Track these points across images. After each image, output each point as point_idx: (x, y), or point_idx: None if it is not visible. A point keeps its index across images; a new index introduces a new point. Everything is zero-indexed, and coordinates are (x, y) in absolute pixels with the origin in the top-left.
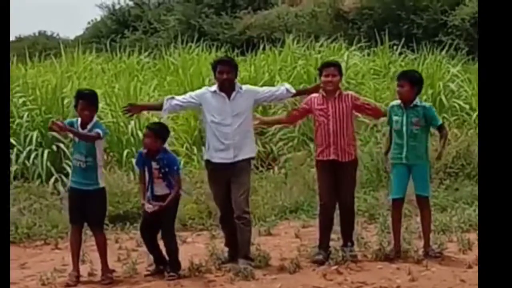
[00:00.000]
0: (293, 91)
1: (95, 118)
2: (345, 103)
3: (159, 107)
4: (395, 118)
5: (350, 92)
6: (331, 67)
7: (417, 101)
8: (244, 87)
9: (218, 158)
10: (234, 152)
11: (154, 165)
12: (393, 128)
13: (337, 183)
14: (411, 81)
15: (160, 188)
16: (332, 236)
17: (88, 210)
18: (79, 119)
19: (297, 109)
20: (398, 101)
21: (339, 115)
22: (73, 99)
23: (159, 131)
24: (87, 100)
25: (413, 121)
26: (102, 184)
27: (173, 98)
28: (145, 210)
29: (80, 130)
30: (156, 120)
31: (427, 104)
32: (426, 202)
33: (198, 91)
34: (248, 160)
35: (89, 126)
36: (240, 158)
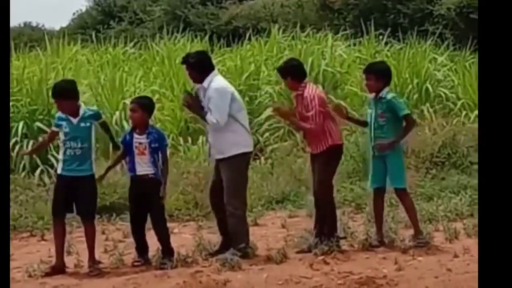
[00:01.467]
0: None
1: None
2: (301, 105)
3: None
4: (368, 111)
5: (309, 94)
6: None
7: (383, 93)
8: (215, 84)
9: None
10: (212, 150)
11: (140, 139)
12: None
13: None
14: (376, 73)
15: (143, 167)
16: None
17: (80, 198)
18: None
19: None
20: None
21: (299, 114)
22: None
23: (145, 104)
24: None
25: (378, 113)
26: (92, 171)
27: None
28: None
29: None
30: None
31: (390, 95)
32: (404, 193)
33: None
34: (227, 159)
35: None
36: (217, 157)
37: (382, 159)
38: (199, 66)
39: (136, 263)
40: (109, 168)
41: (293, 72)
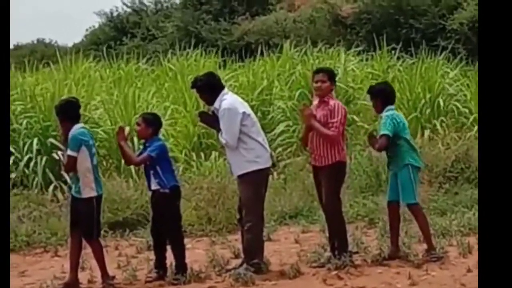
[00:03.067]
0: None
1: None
2: (324, 111)
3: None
4: None
5: (333, 103)
6: (320, 73)
7: (383, 112)
8: (224, 103)
9: None
10: (231, 168)
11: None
12: None
13: (320, 187)
14: (375, 94)
15: (152, 183)
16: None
17: (77, 218)
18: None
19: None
20: None
21: (322, 120)
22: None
23: (150, 120)
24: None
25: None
26: (85, 195)
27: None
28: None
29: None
30: None
31: (384, 114)
32: (416, 208)
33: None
34: (242, 176)
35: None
36: (234, 174)
37: (395, 174)
38: (208, 88)
39: (148, 278)
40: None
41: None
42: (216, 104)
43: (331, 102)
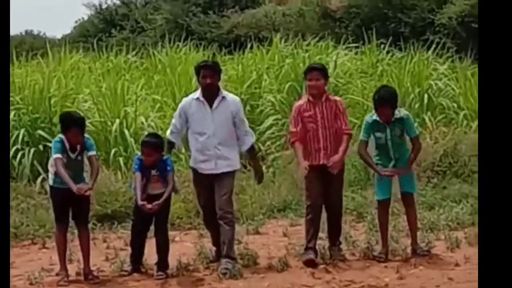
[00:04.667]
0: (246, 150)
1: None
2: (331, 108)
3: (169, 151)
4: (377, 134)
5: (337, 98)
6: (315, 71)
7: (395, 115)
8: (230, 96)
9: (200, 168)
10: (216, 163)
11: (153, 172)
12: None
13: (326, 186)
14: (391, 103)
15: (157, 188)
16: (320, 235)
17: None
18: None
19: (295, 128)
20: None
21: (328, 120)
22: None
23: (156, 145)
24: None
25: (397, 134)
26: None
27: (171, 133)
28: (144, 210)
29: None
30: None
31: (402, 115)
32: (412, 199)
33: (179, 106)
34: (234, 171)
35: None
36: (223, 170)
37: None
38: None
39: (123, 272)
40: None
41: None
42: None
43: (337, 101)
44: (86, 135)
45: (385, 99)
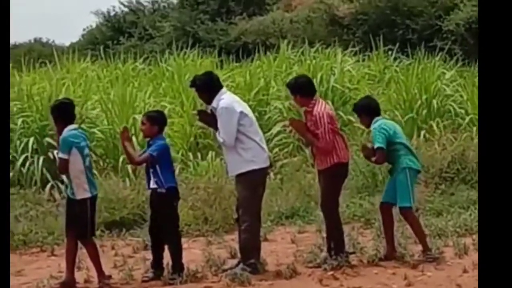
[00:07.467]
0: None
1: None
2: (310, 121)
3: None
4: None
5: (318, 112)
6: (289, 90)
7: (371, 125)
8: (222, 102)
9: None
10: (227, 168)
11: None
12: None
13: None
14: (358, 111)
15: (151, 181)
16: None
17: (71, 218)
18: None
19: None
20: None
21: (311, 129)
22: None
23: (154, 118)
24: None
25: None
26: (79, 196)
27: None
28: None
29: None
30: None
31: (373, 126)
32: (406, 212)
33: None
34: (239, 176)
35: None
36: (230, 174)
37: (393, 177)
38: (207, 87)
39: (144, 278)
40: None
41: (302, 89)
42: (214, 103)
43: (314, 112)
44: (75, 129)
45: (356, 109)
